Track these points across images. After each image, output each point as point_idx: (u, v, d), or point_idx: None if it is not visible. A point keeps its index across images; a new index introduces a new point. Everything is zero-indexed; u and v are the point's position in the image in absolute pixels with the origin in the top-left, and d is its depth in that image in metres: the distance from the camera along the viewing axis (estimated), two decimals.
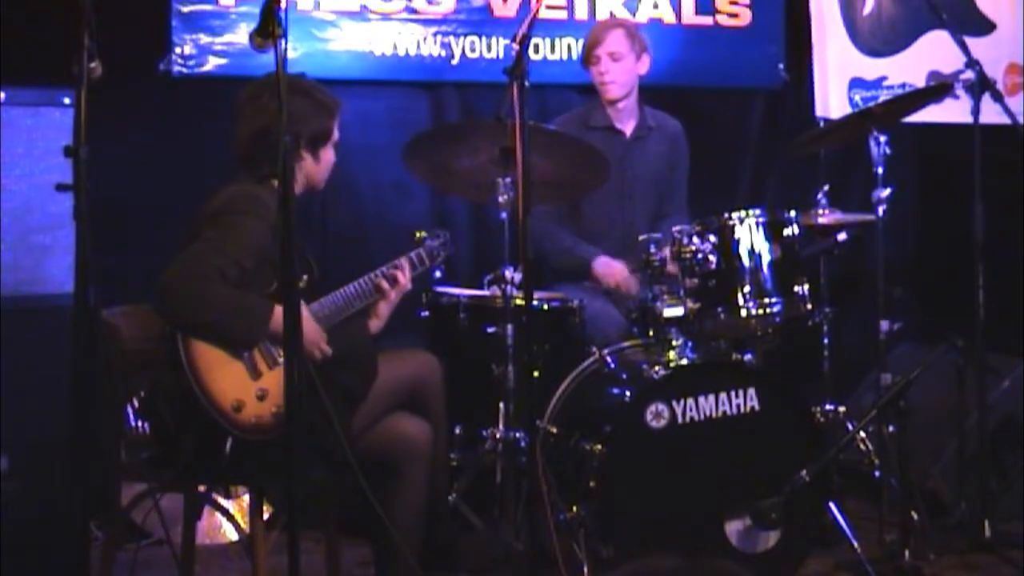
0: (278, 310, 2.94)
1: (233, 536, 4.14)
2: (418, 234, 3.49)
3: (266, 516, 3.13)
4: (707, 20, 5.23)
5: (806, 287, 3.77)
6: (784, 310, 3.74)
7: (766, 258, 3.73)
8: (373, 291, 3.31)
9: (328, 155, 3.32)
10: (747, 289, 3.70)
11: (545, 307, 3.98)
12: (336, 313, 3.21)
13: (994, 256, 4.10)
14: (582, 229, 4.43)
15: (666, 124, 4.62)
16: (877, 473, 3.95)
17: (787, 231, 3.76)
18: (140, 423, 3.49)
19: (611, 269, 4.30)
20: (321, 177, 3.33)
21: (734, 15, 5.26)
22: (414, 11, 4.85)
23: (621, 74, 4.42)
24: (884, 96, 5.14)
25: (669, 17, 5.16)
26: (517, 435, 3.59)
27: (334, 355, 3.11)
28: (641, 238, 3.79)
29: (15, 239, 3.59)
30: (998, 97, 4.05)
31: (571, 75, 4.98)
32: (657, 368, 3.63)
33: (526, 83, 3.05)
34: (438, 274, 3.64)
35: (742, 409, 3.53)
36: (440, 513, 3.53)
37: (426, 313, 3.96)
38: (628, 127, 4.52)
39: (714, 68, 5.25)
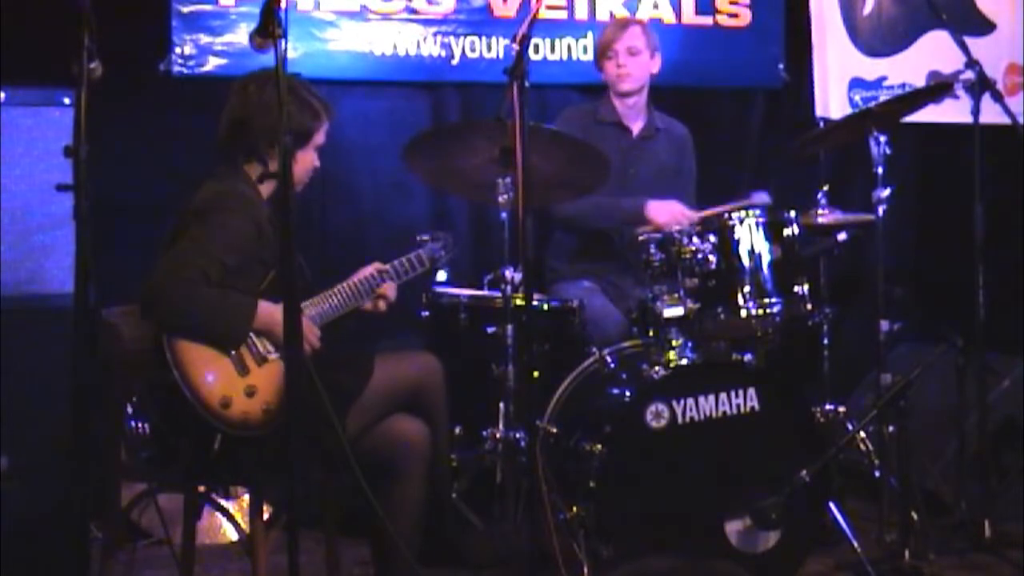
0: (261, 307, 3.01)
1: (233, 536, 4.14)
2: (419, 237, 3.49)
3: (266, 516, 3.13)
4: (707, 20, 5.23)
5: (806, 287, 3.77)
6: (784, 310, 3.73)
7: (766, 258, 3.73)
8: (371, 292, 3.33)
9: (306, 158, 3.26)
10: (747, 289, 3.70)
11: (545, 307, 3.99)
12: (333, 311, 3.23)
13: (994, 256, 4.10)
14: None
15: (673, 128, 4.62)
16: (877, 473, 3.95)
17: (787, 231, 3.76)
18: (140, 423, 3.50)
19: (665, 207, 4.26)
20: (296, 178, 3.22)
21: (734, 15, 5.26)
22: (414, 11, 4.85)
23: (637, 68, 4.43)
24: (884, 96, 5.14)
25: (669, 17, 5.16)
26: (517, 435, 3.59)
27: (328, 353, 3.12)
28: (641, 238, 3.78)
29: (15, 239, 3.60)
30: (998, 97, 4.05)
31: (571, 75, 4.99)
32: (657, 368, 3.63)
33: (526, 83, 3.05)
34: (443, 276, 3.63)
35: (742, 409, 3.53)
36: (444, 510, 3.52)
37: (426, 313, 3.96)
38: (636, 126, 4.52)
39: (714, 68, 5.24)
